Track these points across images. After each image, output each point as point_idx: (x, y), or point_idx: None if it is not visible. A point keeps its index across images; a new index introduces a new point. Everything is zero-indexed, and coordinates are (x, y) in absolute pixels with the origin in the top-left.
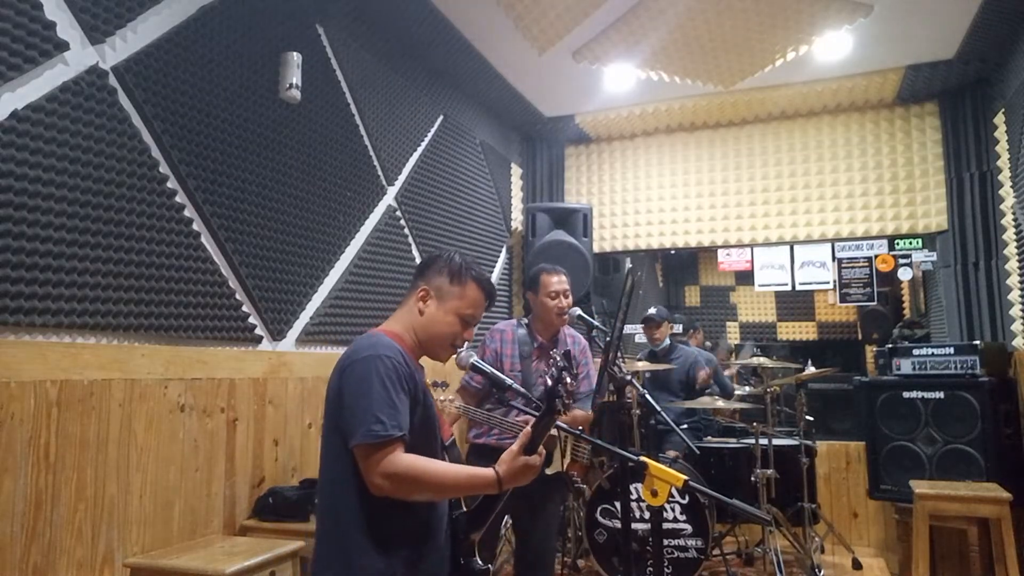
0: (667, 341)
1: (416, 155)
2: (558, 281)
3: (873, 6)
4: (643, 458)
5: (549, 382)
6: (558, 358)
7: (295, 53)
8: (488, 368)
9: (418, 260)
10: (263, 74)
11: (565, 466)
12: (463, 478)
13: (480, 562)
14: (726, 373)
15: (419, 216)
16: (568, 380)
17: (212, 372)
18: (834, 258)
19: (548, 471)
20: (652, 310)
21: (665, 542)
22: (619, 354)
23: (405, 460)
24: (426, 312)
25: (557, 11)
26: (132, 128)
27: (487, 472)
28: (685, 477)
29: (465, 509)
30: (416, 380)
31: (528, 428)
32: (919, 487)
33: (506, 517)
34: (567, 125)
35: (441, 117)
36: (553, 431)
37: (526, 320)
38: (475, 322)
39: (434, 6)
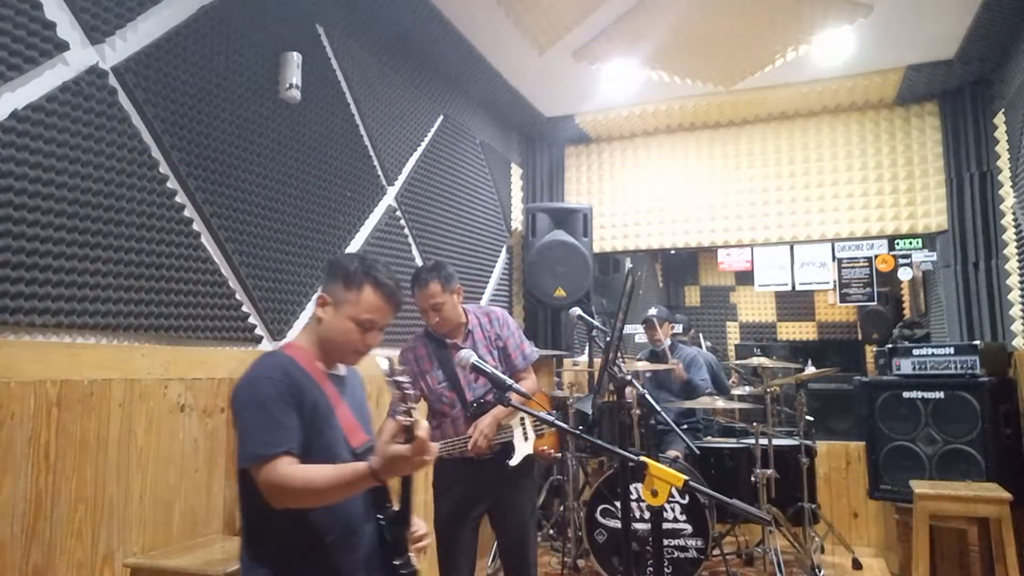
0: (668, 341)
1: (416, 155)
2: (423, 297)
3: (873, 6)
4: (643, 458)
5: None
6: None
7: (295, 53)
8: (488, 368)
9: (418, 260)
10: (263, 74)
11: (533, 448)
12: (339, 477)
13: (413, 560)
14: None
15: (419, 216)
16: (405, 391)
17: (212, 372)
18: (834, 258)
19: (513, 462)
20: (653, 310)
21: (665, 542)
22: (619, 354)
23: (282, 472)
24: (324, 319)
25: (557, 11)
26: (132, 128)
27: (361, 466)
28: (685, 477)
29: (394, 508)
30: (305, 392)
31: (400, 419)
32: (919, 487)
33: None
34: (567, 125)
35: (441, 117)
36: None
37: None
38: (377, 327)
39: (434, 6)
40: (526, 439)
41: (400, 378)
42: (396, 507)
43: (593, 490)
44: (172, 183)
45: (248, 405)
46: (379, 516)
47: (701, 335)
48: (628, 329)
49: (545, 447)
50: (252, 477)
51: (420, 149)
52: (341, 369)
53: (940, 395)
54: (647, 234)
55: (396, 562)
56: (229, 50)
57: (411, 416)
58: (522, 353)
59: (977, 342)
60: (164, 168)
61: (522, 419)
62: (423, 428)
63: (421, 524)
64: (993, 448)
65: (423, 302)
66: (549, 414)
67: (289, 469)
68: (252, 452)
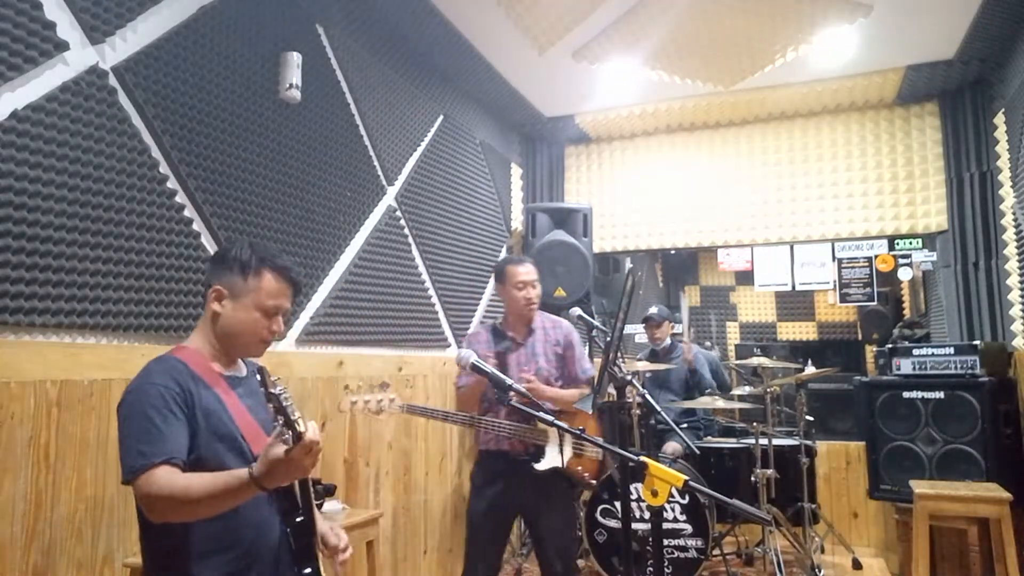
0: (668, 340)
1: (416, 155)
2: (526, 271)
3: (873, 6)
4: (643, 458)
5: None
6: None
7: (295, 53)
8: (488, 368)
9: (418, 260)
10: (263, 74)
11: (565, 463)
12: (217, 487)
13: (321, 569)
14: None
15: (419, 216)
16: (283, 403)
17: None
18: (834, 258)
19: (539, 467)
20: (653, 309)
21: (665, 542)
22: (619, 354)
23: (160, 482)
24: (223, 313)
25: (557, 11)
26: (132, 128)
27: (241, 473)
28: (685, 477)
29: (302, 516)
30: (196, 397)
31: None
32: (919, 487)
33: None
34: (567, 125)
35: (441, 117)
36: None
37: (499, 321)
38: (282, 311)
39: (434, 6)
40: (560, 451)
41: (275, 390)
42: (302, 515)
43: (593, 490)
44: (172, 183)
45: (129, 415)
46: (287, 528)
47: (703, 341)
48: (628, 329)
49: (580, 468)
50: (134, 491)
51: (420, 149)
52: (241, 369)
53: (940, 395)
54: (647, 234)
55: (306, 570)
56: (229, 50)
57: (293, 428)
58: (581, 367)
59: (977, 342)
60: (164, 168)
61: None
62: (312, 429)
63: (342, 535)
64: (993, 448)
65: (527, 275)
66: (553, 417)
67: (164, 479)
68: (128, 464)
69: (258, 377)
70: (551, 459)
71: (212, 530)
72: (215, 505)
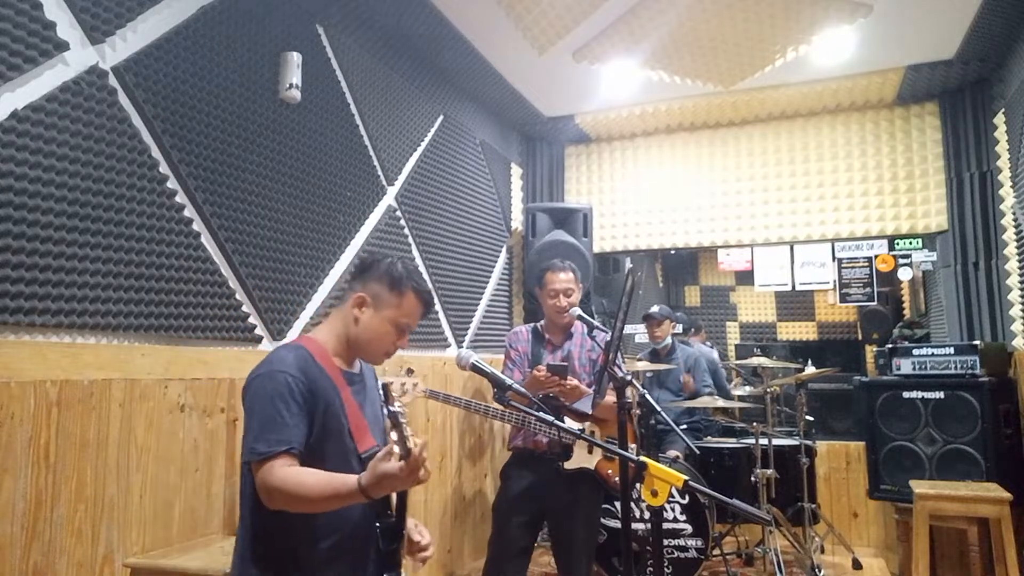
0: (668, 340)
1: (416, 155)
2: (558, 280)
3: (873, 6)
4: (643, 458)
5: (384, 398)
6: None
7: (295, 53)
8: (488, 368)
9: (419, 260)
10: (263, 74)
11: (595, 464)
12: (329, 489)
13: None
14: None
15: (419, 216)
16: (398, 420)
17: (212, 372)
18: (834, 258)
19: (568, 465)
20: (654, 308)
21: (665, 542)
22: (619, 354)
23: (277, 473)
24: (362, 320)
25: (557, 11)
26: (132, 128)
27: (351, 481)
28: (685, 477)
29: (393, 518)
30: (320, 390)
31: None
32: (919, 487)
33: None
34: (567, 125)
35: (441, 117)
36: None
37: (541, 323)
38: (410, 330)
39: (434, 6)
40: (590, 452)
41: (395, 407)
42: (393, 518)
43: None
44: (172, 183)
45: (257, 398)
46: (377, 524)
47: (708, 341)
48: (628, 329)
49: (611, 471)
50: (252, 472)
51: (420, 149)
52: (356, 367)
53: (940, 395)
54: (647, 234)
55: (386, 573)
56: (229, 50)
57: (404, 445)
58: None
59: (977, 342)
60: (164, 168)
61: (592, 432)
62: (419, 446)
63: (425, 533)
64: (993, 448)
65: (558, 284)
66: (556, 419)
67: (283, 471)
68: (252, 448)
69: (380, 389)
70: (579, 459)
71: (320, 516)
72: (323, 505)
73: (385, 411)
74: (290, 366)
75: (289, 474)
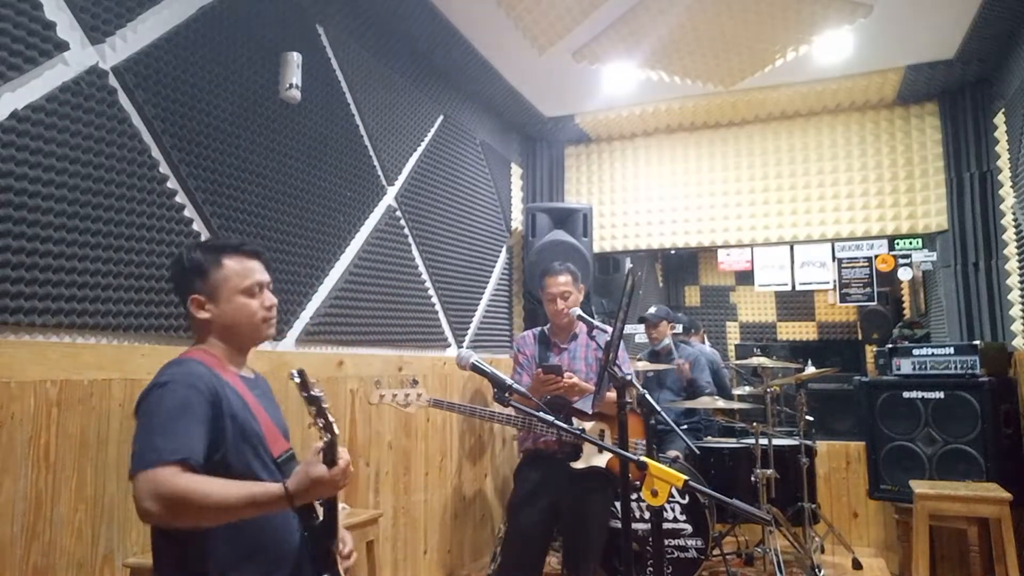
0: (667, 340)
1: (416, 155)
2: (555, 283)
3: (873, 6)
4: (643, 458)
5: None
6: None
7: (295, 53)
8: (488, 368)
9: (418, 260)
10: (263, 74)
11: (607, 463)
12: (245, 497)
13: (342, 573)
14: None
15: (419, 216)
16: (321, 405)
17: None
18: (834, 258)
19: (577, 465)
20: (651, 309)
21: (665, 542)
22: (623, 353)
23: (175, 480)
24: (213, 314)
25: (557, 11)
26: (132, 128)
27: (275, 488)
28: (685, 477)
29: (319, 520)
30: (224, 400)
31: (320, 443)
32: (919, 487)
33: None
34: (567, 125)
35: (441, 117)
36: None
37: (548, 326)
38: (264, 285)
39: (434, 6)
40: (600, 451)
41: (315, 392)
42: (320, 518)
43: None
44: (172, 183)
45: (150, 412)
46: (304, 531)
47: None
48: (628, 329)
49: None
50: (134, 485)
51: (420, 149)
52: (250, 372)
53: (940, 395)
54: (647, 234)
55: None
56: (229, 50)
57: (331, 432)
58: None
59: (977, 342)
60: (164, 168)
61: (602, 432)
62: (345, 454)
63: (347, 538)
64: (993, 448)
65: (555, 287)
66: (559, 420)
67: (185, 478)
68: (138, 457)
69: (298, 375)
70: (589, 458)
71: (237, 537)
72: (235, 514)
73: (304, 395)
74: (190, 377)
75: (193, 481)
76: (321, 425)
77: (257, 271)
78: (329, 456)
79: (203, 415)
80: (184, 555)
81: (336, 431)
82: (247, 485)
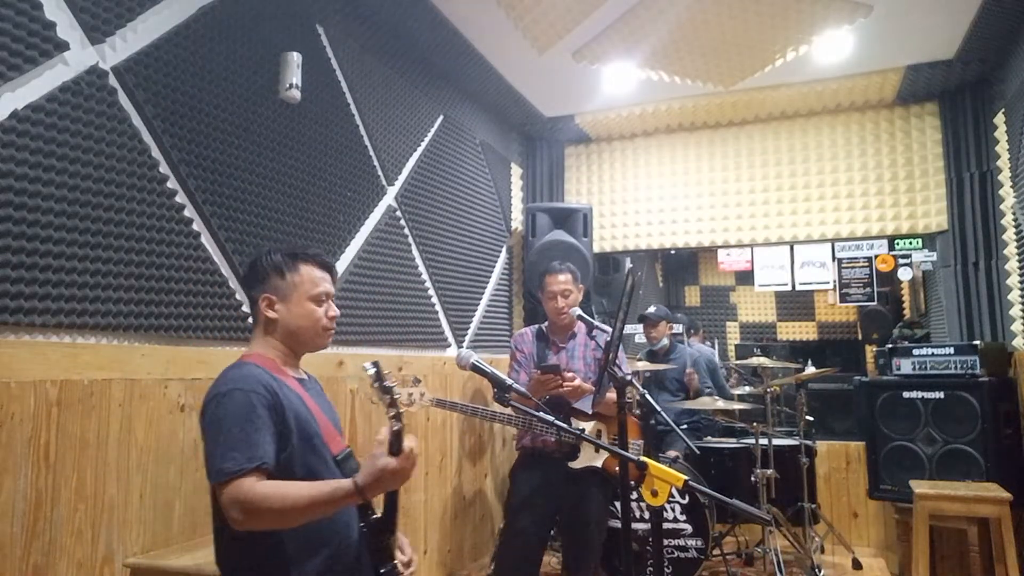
0: (665, 340)
1: (416, 155)
2: (556, 282)
3: (873, 6)
4: (643, 458)
5: (381, 391)
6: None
7: (295, 53)
8: (488, 368)
9: (418, 260)
10: (263, 74)
11: (603, 462)
12: (319, 496)
13: (399, 566)
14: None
15: (419, 216)
16: (394, 396)
17: (212, 372)
18: (834, 258)
19: (575, 465)
20: (651, 308)
21: (665, 542)
22: (621, 354)
23: (256, 489)
24: (280, 316)
25: (557, 11)
26: (132, 128)
27: (345, 484)
28: (685, 477)
29: (377, 515)
30: (286, 402)
31: (387, 432)
32: (919, 487)
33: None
34: (567, 125)
35: (441, 117)
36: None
37: (545, 324)
38: (330, 297)
39: (434, 6)
40: (597, 450)
41: (389, 383)
42: (378, 514)
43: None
44: (172, 183)
45: (218, 420)
46: (362, 524)
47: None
48: (628, 329)
49: (618, 469)
50: (218, 494)
51: (420, 149)
52: (303, 373)
53: (940, 395)
54: (647, 234)
55: (382, 571)
56: (229, 50)
57: (399, 422)
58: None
59: (977, 342)
60: (164, 168)
61: (599, 432)
62: (411, 439)
63: (407, 550)
64: (993, 448)
65: (556, 286)
66: (559, 420)
67: (262, 486)
68: (220, 468)
69: (373, 365)
70: (587, 457)
71: (305, 533)
72: (313, 513)
73: (377, 386)
74: (249, 382)
75: (271, 487)
76: (392, 415)
77: (327, 282)
78: (396, 446)
79: (268, 418)
80: (249, 550)
81: (404, 421)
82: (319, 485)
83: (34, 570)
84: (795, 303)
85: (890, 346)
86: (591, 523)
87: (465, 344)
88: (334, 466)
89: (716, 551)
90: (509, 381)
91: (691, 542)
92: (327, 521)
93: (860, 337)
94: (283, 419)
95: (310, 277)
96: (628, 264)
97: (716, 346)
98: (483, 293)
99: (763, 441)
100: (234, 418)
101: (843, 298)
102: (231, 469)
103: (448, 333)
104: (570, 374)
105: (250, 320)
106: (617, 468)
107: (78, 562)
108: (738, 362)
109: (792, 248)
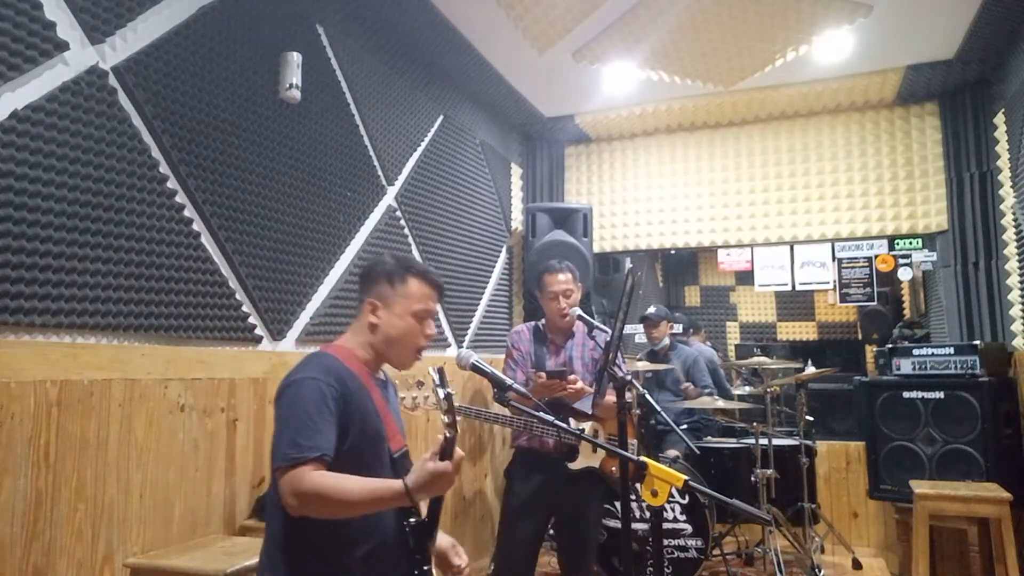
0: (666, 340)
1: (416, 155)
2: (557, 281)
3: (873, 6)
4: (643, 458)
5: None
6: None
7: (295, 53)
8: (488, 368)
9: (419, 260)
10: (263, 74)
11: (600, 463)
12: (369, 493)
13: (434, 572)
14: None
15: (419, 216)
16: (452, 403)
17: (212, 372)
18: (834, 258)
19: (573, 466)
20: (651, 309)
21: (665, 542)
22: (620, 354)
23: (313, 478)
24: (381, 322)
25: (557, 11)
26: (132, 128)
27: (395, 484)
28: (685, 477)
29: (423, 517)
30: (351, 399)
31: (441, 438)
32: (919, 487)
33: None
34: (567, 125)
35: (441, 117)
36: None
37: (542, 322)
38: (431, 316)
39: (434, 6)
40: (594, 451)
41: (449, 389)
42: (424, 516)
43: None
44: (172, 183)
45: (290, 405)
46: (405, 523)
47: (708, 341)
48: (628, 329)
49: (614, 468)
50: (277, 477)
51: (420, 149)
52: (382, 374)
53: (940, 395)
54: (647, 234)
55: (417, 571)
56: (229, 50)
57: (454, 430)
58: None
59: (977, 342)
60: (164, 168)
61: (596, 431)
62: (459, 452)
63: (462, 555)
64: (993, 448)
65: (557, 286)
66: (559, 419)
67: (320, 475)
68: (285, 453)
69: (436, 372)
70: (584, 458)
71: (346, 523)
72: (363, 509)
73: (441, 393)
74: (324, 373)
75: (327, 478)
76: (447, 422)
77: (432, 300)
78: (448, 452)
79: (334, 409)
80: (296, 537)
81: (458, 430)
82: (373, 482)
83: (34, 570)
84: (795, 303)
85: (890, 346)
86: (590, 524)
87: (465, 344)
88: (389, 463)
89: (716, 551)
90: (509, 381)
91: (691, 542)
92: (376, 515)
93: (860, 337)
94: (347, 411)
95: (418, 292)
96: (628, 264)
97: (708, 344)
98: (483, 293)
99: (763, 441)
100: (304, 406)
101: (843, 298)
102: (293, 456)
103: (448, 333)
104: (573, 377)
105: (252, 319)
106: (612, 468)
107: (78, 562)
108: (738, 362)
109: (792, 248)
